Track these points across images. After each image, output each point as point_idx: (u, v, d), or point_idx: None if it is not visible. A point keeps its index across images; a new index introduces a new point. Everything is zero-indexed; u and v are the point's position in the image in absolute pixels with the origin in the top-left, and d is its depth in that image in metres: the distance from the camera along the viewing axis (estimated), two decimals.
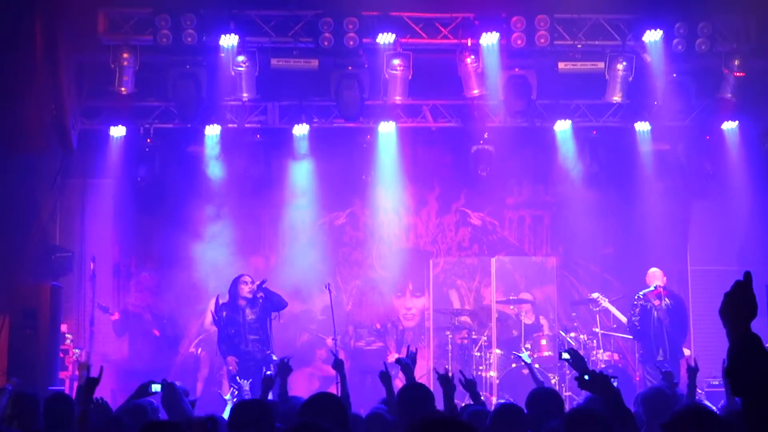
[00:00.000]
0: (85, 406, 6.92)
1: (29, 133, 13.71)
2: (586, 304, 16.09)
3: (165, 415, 8.84)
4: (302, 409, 5.97)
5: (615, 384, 6.77)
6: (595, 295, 15.50)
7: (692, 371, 8.71)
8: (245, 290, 14.21)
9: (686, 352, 14.88)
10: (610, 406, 5.69)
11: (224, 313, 14.25)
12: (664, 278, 14.91)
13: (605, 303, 15.27)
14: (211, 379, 15.63)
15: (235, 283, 14.36)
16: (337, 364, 9.06)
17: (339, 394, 8.33)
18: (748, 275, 3.54)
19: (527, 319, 15.81)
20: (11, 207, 14.72)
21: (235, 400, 13.11)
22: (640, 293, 14.69)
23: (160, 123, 15.62)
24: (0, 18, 12.98)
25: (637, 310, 14.63)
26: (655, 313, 14.52)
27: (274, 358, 13.93)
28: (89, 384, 7.07)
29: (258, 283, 14.20)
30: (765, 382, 3.28)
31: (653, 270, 14.98)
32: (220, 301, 14.51)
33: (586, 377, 5.98)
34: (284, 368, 9.13)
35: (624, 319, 15.15)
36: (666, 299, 14.64)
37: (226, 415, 10.47)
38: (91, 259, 15.68)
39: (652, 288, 14.67)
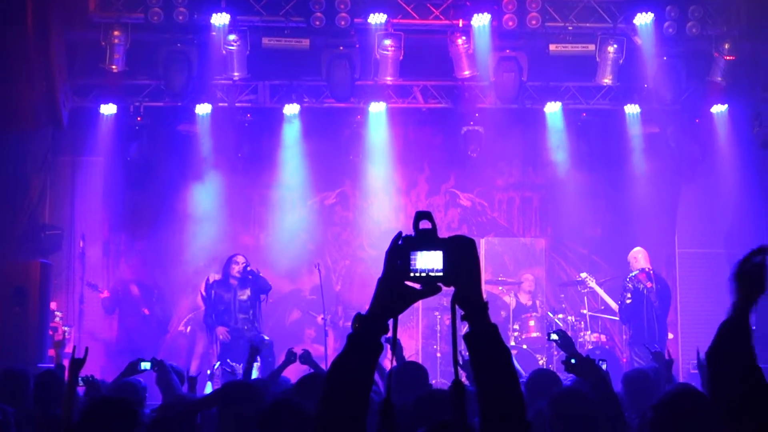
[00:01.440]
0: (71, 386, 6.94)
1: (19, 110, 13.69)
2: (575, 286, 16.17)
3: (153, 394, 8.90)
4: (295, 388, 6.02)
5: (604, 367, 6.83)
6: (583, 275, 15.56)
7: (668, 363, 8.78)
8: (235, 270, 14.29)
9: (670, 336, 14.97)
10: (596, 390, 5.74)
11: (213, 292, 14.34)
12: (648, 259, 14.95)
13: (592, 284, 15.34)
14: (207, 357, 15.65)
15: (228, 261, 14.47)
16: (305, 357, 9.21)
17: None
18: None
19: (526, 300, 15.88)
20: (1, 185, 14.72)
21: (214, 373, 13.19)
22: (630, 275, 14.76)
23: (151, 101, 15.59)
24: None
25: (630, 291, 14.66)
26: (647, 294, 14.58)
27: (266, 338, 13.99)
28: (74, 364, 7.09)
29: (245, 265, 14.30)
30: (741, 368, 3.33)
31: (636, 249, 15.01)
32: (212, 279, 14.59)
33: (573, 360, 6.04)
34: (290, 356, 9.31)
35: (610, 301, 15.23)
36: (654, 281, 14.71)
37: (208, 390, 10.56)
38: (80, 237, 15.71)
39: (639, 270, 14.72)
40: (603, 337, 15.40)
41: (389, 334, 2.85)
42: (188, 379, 9.11)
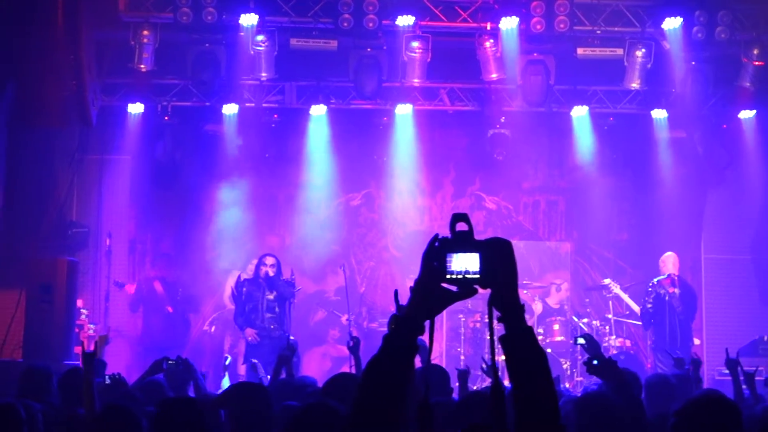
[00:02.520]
0: (87, 380, 6.97)
1: (49, 108, 13.79)
2: (599, 290, 16.14)
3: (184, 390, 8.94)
4: (324, 388, 6.03)
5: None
6: (606, 281, 15.51)
7: (696, 364, 8.74)
8: (263, 271, 14.36)
9: (696, 341, 14.90)
10: (618, 393, 5.72)
11: (244, 289, 14.40)
12: (678, 264, 14.90)
13: (616, 289, 15.27)
14: (218, 357, 15.67)
15: (259, 261, 14.54)
16: (354, 347, 9.07)
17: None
18: None
19: (554, 304, 15.86)
20: (30, 182, 14.85)
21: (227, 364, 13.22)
22: (654, 280, 14.72)
23: (178, 101, 15.65)
24: None
25: (652, 297, 14.63)
26: (669, 300, 14.53)
27: (292, 338, 14.03)
28: (87, 358, 7.12)
29: (272, 266, 14.36)
30: None
31: (668, 254, 14.98)
32: (243, 277, 14.66)
33: (595, 362, 6.02)
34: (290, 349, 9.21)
35: (634, 306, 15.18)
36: (678, 287, 14.66)
37: (225, 384, 10.58)
38: (107, 235, 15.81)
39: (665, 276, 14.68)
40: (628, 342, 15.35)
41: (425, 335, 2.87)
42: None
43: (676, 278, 14.71)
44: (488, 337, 2.82)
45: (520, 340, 2.81)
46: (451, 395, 7.46)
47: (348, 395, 4.80)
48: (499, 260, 2.81)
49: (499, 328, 2.89)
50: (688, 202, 16.67)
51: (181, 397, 6.79)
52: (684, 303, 14.60)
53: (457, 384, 8.42)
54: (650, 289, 14.70)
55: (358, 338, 9.22)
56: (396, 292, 6.37)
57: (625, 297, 15.32)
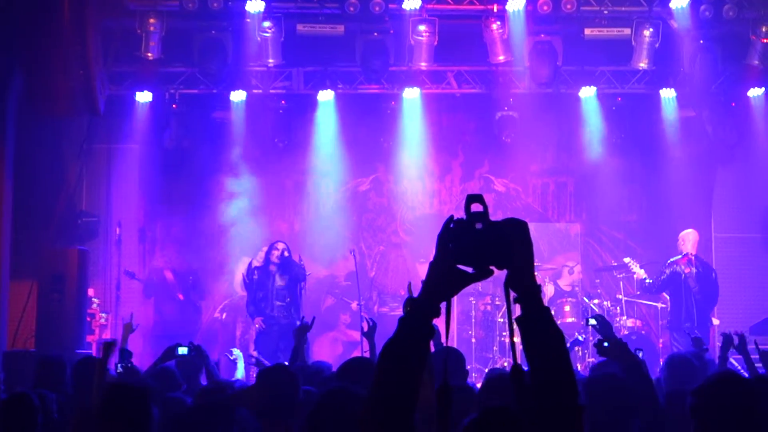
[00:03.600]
0: (101, 369, 6.98)
1: (57, 98, 13.79)
2: (610, 271, 16.14)
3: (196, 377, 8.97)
4: (339, 373, 6.04)
5: (640, 356, 6.79)
6: (626, 260, 15.42)
7: (727, 341, 8.66)
8: (275, 255, 14.41)
9: (715, 321, 14.88)
10: (630, 374, 5.71)
11: (255, 276, 14.44)
12: (696, 243, 14.86)
13: (636, 268, 15.17)
14: (229, 344, 15.69)
15: (270, 248, 14.59)
16: (369, 332, 9.03)
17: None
18: None
19: (566, 286, 15.85)
20: (39, 172, 14.87)
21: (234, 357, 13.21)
22: (671, 259, 14.72)
23: (186, 88, 15.64)
24: None
25: (666, 273, 14.64)
26: (686, 279, 14.52)
27: (298, 324, 14.05)
28: (106, 348, 7.15)
29: (284, 250, 14.40)
30: None
31: (686, 232, 14.94)
32: (254, 264, 14.69)
33: (606, 344, 6.01)
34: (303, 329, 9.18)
35: None
36: (695, 267, 14.65)
37: (239, 374, 10.59)
38: (117, 224, 15.83)
39: (681, 255, 14.67)
40: (639, 323, 15.36)
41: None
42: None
43: (693, 257, 14.70)
44: (505, 319, 2.82)
45: (537, 321, 2.81)
46: (466, 378, 7.45)
47: (363, 379, 4.81)
48: (515, 241, 2.80)
49: (514, 309, 2.88)
50: (697, 181, 16.64)
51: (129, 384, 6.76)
52: (700, 283, 14.58)
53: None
54: (666, 268, 14.70)
55: (374, 322, 9.19)
56: (410, 285, 6.37)
57: (642, 273, 15.19)
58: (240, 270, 15.73)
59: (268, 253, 14.61)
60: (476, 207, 2.82)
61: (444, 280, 2.81)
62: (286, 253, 14.45)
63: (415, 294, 5.93)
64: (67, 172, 15.53)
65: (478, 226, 2.79)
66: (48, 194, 15.18)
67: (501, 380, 5.43)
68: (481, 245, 2.79)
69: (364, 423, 2.77)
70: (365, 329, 9.03)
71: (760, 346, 8.64)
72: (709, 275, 14.82)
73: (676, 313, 14.56)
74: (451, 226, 2.80)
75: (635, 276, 15.11)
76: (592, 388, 5.51)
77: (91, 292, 14.62)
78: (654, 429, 5.44)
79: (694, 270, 14.62)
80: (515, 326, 2.84)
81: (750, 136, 15.97)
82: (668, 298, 14.99)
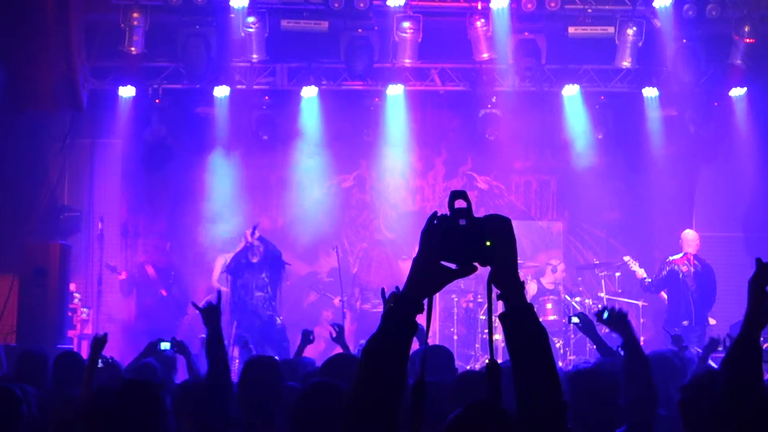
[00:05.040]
0: (92, 364, 6.97)
1: (39, 92, 13.74)
2: (592, 269, 16.19)
3: (170, 374, 8.94)
4: (322, 369, 6.04)
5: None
6: (626, 258, 15.40)
7: (713, 344, 8.70)
8: (248, 235, 14.38)
9: (711, 321, 14.92)
10: (627, 347, 5.70)
11: (242, 260, 14.43)
12: (697, 243, 14.91)
13: (635, 267, 15.18)
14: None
15: (243, 236, 14.60)
16: (339, 337, 9.07)
17: None
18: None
19: (548, 284, 15.87)
20: (21, 166, 14.81)
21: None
22: (670, 258, 14.79)
23: (169, 83, 15.60)
24: None
25: (665, 272, 14.71)
26: (684, 278, 14.58)
27: (278, 321, 14.07)
28: (96, 343, 7.13)
29: (251, 231, 14.38)
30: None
31: (687, 232, 15.02)
32: (228, 259, 14.71)
33: (605, 315, 5.99)
34: (306, 337, 9.28)
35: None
36: (693, 266, 14.70)
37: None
38: (99, 219, 15.77)
39: (681, 255, 14.74)
40: None
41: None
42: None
43: (691, 257, 14.77)
44: (486, 316, 2.82)
45: (520, 318, 2.81)
46: (455, 374, 7.45)
47: (346, 375, 4.81)
48: (498, 237, 2.80)
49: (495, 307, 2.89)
50: (679, 180, 16.70)
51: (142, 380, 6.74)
52: (698, 282, 14.65)
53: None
54: (664, 267, 14.77)
55: (341, 326, 9.24)
56: (383, 291, 6.38)
57: (642, 273, 15.19)
58: (217, 267, 15.74)
59: (245, 245, 14.56)
60: (460, 203, 2.82)
61: (427, 276, 2.82)
62: (257, 233, 14.43)
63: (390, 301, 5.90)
64: (49, 167, 15.47)
65: (462, 222, 2.79)
66: (30, 189, 15.11)
67: (473, 377, 5.44)
68: (464, 242, 2.79)
69: (346, 417, 2.77)
70: (333, 335, 9.06)
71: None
72: (708, 275, 14.85)
73: (673, 311, 14.62)
74: (435, 222, 2.81)
75: (636, 275, 15.11)
76: (576, 382, 5.51)
77: (72, 287, 14.57)
78: (644, 407, 5.43)
79: (692, 269, 14.69)
80: (497, 323, 2.85)
81: (732, 135, 16.04)
82: (666, 297, 15.04)
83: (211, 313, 6.44)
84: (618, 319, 5.88)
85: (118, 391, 5.45)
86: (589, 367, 6.21)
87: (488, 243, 2.79)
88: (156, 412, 5.33)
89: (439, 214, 2.83)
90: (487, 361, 7.73)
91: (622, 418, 5.40)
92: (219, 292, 7.07)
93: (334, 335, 9.07)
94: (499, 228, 2.81)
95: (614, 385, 5.53)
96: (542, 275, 16.03)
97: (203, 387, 5.99)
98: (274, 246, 14.68)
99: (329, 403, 4.28)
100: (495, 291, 2.87)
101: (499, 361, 3.00)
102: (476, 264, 2.81)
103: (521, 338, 2.80)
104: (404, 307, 2.80)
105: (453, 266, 2.82)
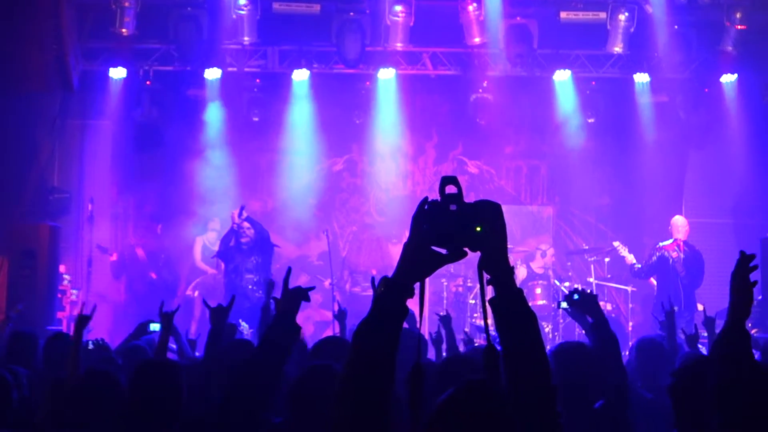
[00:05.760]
0: (77, 342, 6.95)
1: (29, 72, 13.69)
2: (581, 254, 16.23)
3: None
4: (313, 351, 6.05)
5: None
6: (616, 243, 15.40)
7: (709, 322, 8.70)
8: (236, 217, 14.35)
9: (699, 307, 14.96)
10: (596, 329, 5.76)
11: (232, 243, 14.42)
12: (687, 229, 14.94)
13: (624, 252, 15.19)
14: (205, 321, 15.69)
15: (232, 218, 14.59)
16: (340, 315, 9.09)
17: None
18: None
19: (538, 268, 15.90)
20: (10, 147, 14.74)
21: None
22: (660, 244, 14.81)
23: (160, 65, 15.56)
24: None
25: (655, 258, 14.74)
26: (673, 264, 14.61)
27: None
28: (80, 321, 7.11)
29: (238, 212, 14.37)
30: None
31: (676, 218, 15.04)
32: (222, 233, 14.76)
33: (576, 297, 6.03)
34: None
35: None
36: (683, 252, 14.74)
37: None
38: (89, 201, 15.73)
39: (671, 241, 14.77)
40: (609, 306, 15.44)
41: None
42: (188, 342, 9.15)
43: (681, 243, 14.79)
44: (477, 301, 2.84)
45: (510, 303, 2.83)
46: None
47: (337, 358, 4.83)
48: (488, 223, 2.82)
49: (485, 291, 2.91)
50: (669, 166, 16.73)
51: (159, 360, 6.79)
52: (688, 268, 14.67)
53: (443, 331, 8.51)
54: (654, 253, 14.80)
55: (345, 310, 9.24)
56: (372, 278, 6.40)
57: (633, 259, 15.20)
58: (197, 250, 15.82)
59: (232, 228, 14.56)
60: (451, 189, 2.84)
61: (418, 261, 2.83)
62: (245, 214, 14.43)
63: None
64: (39, 148, 15.42)
65: (453, 207, 2.81)
66: (19, 170, 15.06)
67: (459, 360, 5.48)
68: (455, 227, 2.81)
69: (338, 401, 2.79)
70: (336, 311, 9.09)
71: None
72: (697, 261, 14.87)
73: (662, 297, 14.62)
74: (426, 207, 2.82)
75: (626, 260, 15.13)
76: (559, 357, 5.56)
77: (62, 268, 14.55)
78: (617, 386, 5.49)
79: (682, 255, 14.71)
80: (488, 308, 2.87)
81: (722, 122, 16.07)
82: (655, 283, 15.07)
83: (218, 313, 6.74)
84: (588, 301, 5.92)
85: (134, 371, 5.50)
86: (569, 343, 6.25)
87: (478, 228, 2.81)
88: (175, 390, 5.37)
89: (430, 199, 2.84)
90: (477, 343, 7.75)
91: (600, 394, 5.46)
92: (233, 297, 7.14)
93: (337, 311, 9.12)
94: (490, 213, 2.83)
95: (594, 360, 5.57)
96: (532, 260, 16.06)
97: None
98: (261, 226, 14.68)
99: (328, 385, 4.30)
100: (486, 276, 2.88)
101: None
102: (466, 249, 2.83)
103: (511, 322, 2.82)
104: (395, 291, 2.82)
105: (443, 251, 2.84)
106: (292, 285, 5.23)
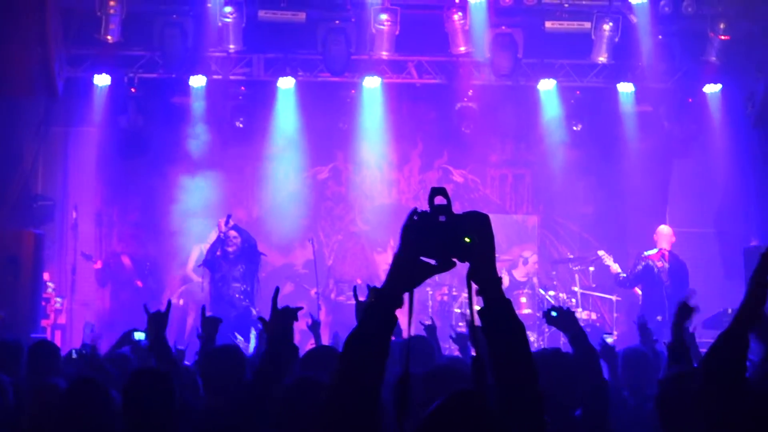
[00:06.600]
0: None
1: (14, 78, 13.64)
2: (566, 263, 16.26)
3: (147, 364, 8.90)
4: (302, 361, 6.04)
5: (609, 340, 6.86)
6: (600, 253, 15.44)
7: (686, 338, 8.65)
8: (222, 225, 14.33)
9: None
10: (575, 343, 5.80)
11: (218, 252, 14.40)
12: (672, 239, 14.98)
13: (609, 261, 15.21)
14: (180, 332, 15.63)
15: (218, 225, 14.55)
16: (314, 326, 9.11)
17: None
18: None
19: (521, 277, 15.92)
20: None
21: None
22: (645, 253, 14.85)
23: (145, 72, 15.54)
24: None
25: (640, 267, 14.77)
26: (658, 273, 14.66)
27: (254, 312, 14.05)
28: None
29: (224, 220, 14.35)
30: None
31: (662, 228, 15.10)
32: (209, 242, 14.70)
33: (554, 313, 6.09)
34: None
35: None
36: (668, 262, 14.78)
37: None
38: (73, 208, 15.69)
39: (656, 250, 14.81)
40: (594, 315, 15.47)
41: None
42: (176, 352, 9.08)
43: (666, 253, 14.83)
44: (462, 309, 2.86)
45: (498, 313, 2.85)
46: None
47: (326, 368, 4.84)
48: (476, 234, 2.84)
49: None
50: (653, 176, 16.78)
51: (150, 368, 6.76)
52: (672, 278, 14.71)
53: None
54: (638, 261, 14.83)
55: (318, 321, 9.25)
56: (355, 288, 6.42)
57: (618, 268, 15.22)
58: (193, 257, 15.73)
59: (219, 236, 14.53)
60: (440, 200, 2.85)
61: (407, 272, 2.85)
62: (231, 223, 14.40)
63: (361, 295, 5.94)
64: (22, 154, 15.35)
65: (442, 218, 2.82)
66: (3, 176, 15.00)
67: (444, 369, 5.50)
68: (443, 237, 2.82)
69: (327, 411, 2.80)
70: (308, 323, 9.09)
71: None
72: (681, 271, 14.92)
73: (647, 307, 14.66)
74: (415, 218, 2.84)
75: (611, 269, 15.14)
76: (538, 363, 5.58)
77: (46, 276, 14.50)
78: (597, 396, 5.54)
79: (666, 265, 14.76)
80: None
81: (706, 131, 16.15)
82: (640, 293, 15.09)
83: (155, 319, 6.73)
84: (566, 317, 5.98)
85: (128, 380, 5.49)
86: (550, 349, 6.29)
87: (467, 239, 2.82)
88: (167, 397, 5.36)
89: (419, 210, 2.85)
90: (458, 353, 7.73)
91: (579, 403, 5.50)
92: (170, 302, 7.07)
93: (310, 324, 9.11)
94: (478, 224, 2.85)
95: (574, 368, 5.61)
96: (515, 268, 16.10)
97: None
98: (248, 234, 14.67)
99: (314, 398, 4.30)
100: (474, 287, 2.90)
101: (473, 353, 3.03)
102: (455, 260, 2.84)
103: (499, 332, 2.84)
104: (384, 302, 2.83)
105: (432, 262, 2.85)
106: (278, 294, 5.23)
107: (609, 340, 8.80)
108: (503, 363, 2.82)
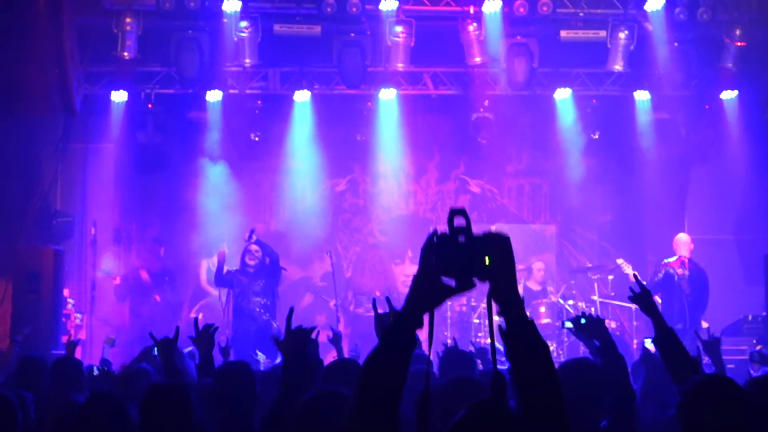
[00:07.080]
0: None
1: (33, 96, 13.74)
2: (585, 272, 16.22)
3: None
4: (325, 374, 6.05)
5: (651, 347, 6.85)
6: (619, 261, 15.44)
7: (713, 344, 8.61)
8: (247, 258, 14.46)
9: (704, 324, 14.94)
10: (604, 351, 5.76)
11: (234, 277, 14.50)
12: (691, 246, 14.95)
13: (628, 269, 15.17)
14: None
15: (244, 252, 14.65)
16: (335, 339, 9.12)
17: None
18: None
19: (535, 286, 15.88)
20: (13, 170, 14.79)
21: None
22: (665, 260, 14.82)
23: (162, 88, 15.62)
24: None
25: (661, 274, 14.74)
26: (678, 281, 14.62)
27: (274, 325, 14.08)
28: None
29: (248, 235, 14.44)
30: None
31: (680, 236, 15.07)
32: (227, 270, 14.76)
33: (583, 320, 6.05)
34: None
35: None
36: (688, 269, 14.74)
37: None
38: (92, 224, 15.76)
39: (676, 257, 14.77)
40: (613, 324, 15.41)
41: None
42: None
43: (686, 260, 14.81)
44: (481, 320, 2.86)
45: (521, 334, 2.83)
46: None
47: (348, 381, 4.85)
48: (497, 254, 2.83)
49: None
50: (671, 183, 16.74)
51: (170, 383, 6.80)
52: (692, 286, 14.68)
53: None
54: (660, 270, 14.79)
55: (340, 333, 9.28)
56: (374, 301, 6.45)
57: (637, 276, 15.12)
58: (203, 271, 15.84)
59: (243, 256, 14.63)
60: (459, 221, 2.86)
61: (427, 292, 2.85)
62: (258, 256, 14.48)
63: (380, 308, 5.96)
64: (41, 172, 15.45)
65: (461, 239, 2.83)
66: (22, 193, 15.08)
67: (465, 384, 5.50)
68: (463, 258, 2.82)
69: (348, 428, 2.80)
70: (330, 335, 9.13)
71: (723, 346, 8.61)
72: (701, 278, 14.88)
73: (667, 314, 14.57)
74: (435, 239, 2.84)
75: (630, 278, 15.07)
76: (565, 374, 5.56)
77: (66, 292, 14.56)
78: (624, 407, 5.50)
79: (687, 273, 14.73)
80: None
81: (723, 138, 16.09)
82: (660, 301, 15.04)
83: (164, 345, 6.99)
84: (596, 324, 5.94)
85: (145, 395, 5.54)
86: (577, 359, 6.26)
87: (487, 260, 2.83)
88: (184, 411, 5.40)
89: (439, 231, 2.86)
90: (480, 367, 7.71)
91: (606, 413, 5.47)
92: (177, 328, 7.20)
93: (331, 337, 9.13)
94: (498, 245, 2.84)
95: (601, 379, 5.58)
96: (528, 278, 16.03)
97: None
98: (271, 249, 14.73)
99: (331, 412, 4.30)
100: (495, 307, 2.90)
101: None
102: (475, 279, 2.84)
103: (523, 353, 2.82)
104: (404, 323, 2.84)
105: (452, 282, 2.85)
106: (297, 307, 5.28)
107: (649, 345, 8.72)
108: (526, 383, 2.80)
